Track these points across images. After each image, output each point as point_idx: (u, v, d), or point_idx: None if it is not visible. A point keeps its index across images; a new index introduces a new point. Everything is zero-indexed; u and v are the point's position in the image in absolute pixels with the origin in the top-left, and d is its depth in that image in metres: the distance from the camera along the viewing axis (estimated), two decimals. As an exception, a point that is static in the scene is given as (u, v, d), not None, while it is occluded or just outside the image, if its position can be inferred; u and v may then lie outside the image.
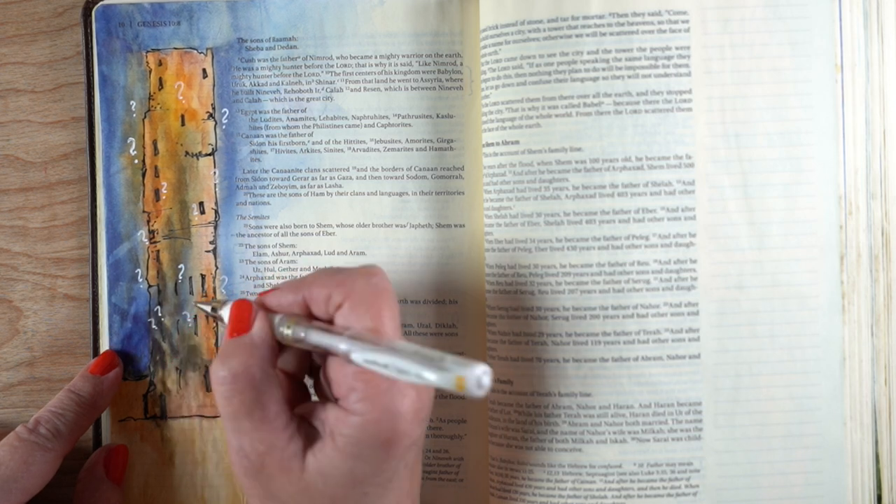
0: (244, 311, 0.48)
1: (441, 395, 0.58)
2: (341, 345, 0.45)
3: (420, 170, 0.58)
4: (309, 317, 0.48)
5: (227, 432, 0.47)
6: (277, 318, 0.48)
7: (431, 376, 0.41)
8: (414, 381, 0.42)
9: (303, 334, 0.47)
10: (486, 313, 0.57)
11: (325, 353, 0.46)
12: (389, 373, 0.43)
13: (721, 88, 0.55)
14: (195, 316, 0.59)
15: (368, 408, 0.44)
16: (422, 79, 0.58)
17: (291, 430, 0.46)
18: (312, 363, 0.51)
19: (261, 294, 0.49)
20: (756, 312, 0.55)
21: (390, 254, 0.58)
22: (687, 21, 0.54)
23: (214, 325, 0.59)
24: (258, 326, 0.47)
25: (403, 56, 0.58)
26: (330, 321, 0.47)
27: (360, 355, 0.44)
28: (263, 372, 0.46)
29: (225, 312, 0.49)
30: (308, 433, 0.46)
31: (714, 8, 0.54)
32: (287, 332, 0.47)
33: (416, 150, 0.58)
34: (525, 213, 0.55)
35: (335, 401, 0.47)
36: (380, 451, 0.45)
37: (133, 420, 0.60)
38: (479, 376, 0.40)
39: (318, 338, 0.46)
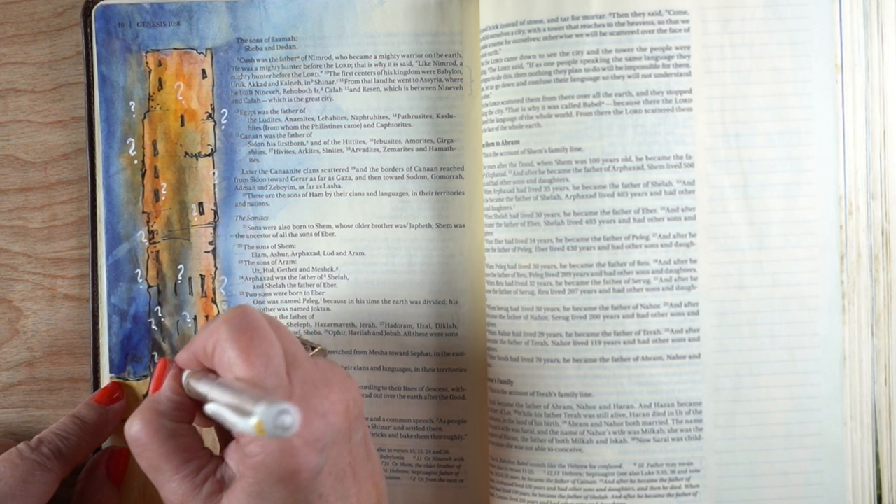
0: (160, 371, 0.51)
1: (441, 396, 0.58)
2: (203, 393, 0.46)
3: (420, 170, 0.58)
4: (205, 370, 0.49)
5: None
6: (185, 374, 0.49)
7: (239, 424, 0.41)
8: (236, 430, 0.42)
9: (192, 387, 0.48)
10: (486, 313, 0.57)
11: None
12: (224, 421, 0.43)
13: (721, 88, 0.54)
14: (195, 316, 0.59)
15: (258, 448, 0.45)
16: (422, 79, 0.58)
17: (202, 476, 0.47)
18: None
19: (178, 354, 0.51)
20: (756, 312, 0.55)
21: (390, 254, 0.58)
22: (687, 21, 0.54)
23: None
24: (165, 384, 0.49)
25: (403, 56, 0.58)
26: (216, 372, 0.48)
27: (208, 407, 0.45)
28: (163, 427, 0.48)
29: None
30: (226, 475, 0.47)
31: (714, 8, 0.54)
32: (185, 385, 0.49)
33: (416, 150, 0.58)
34: (525, 213, 0.55)
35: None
36: (280, 487, 0.45)
37: (133, 420, 0.60)
38: (274, 417, 0.39)
39: (197, 388, 0.47)
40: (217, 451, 0.49)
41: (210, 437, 0.51)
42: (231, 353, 0.45)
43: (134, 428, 0.47)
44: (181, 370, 0.49)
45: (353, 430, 0.48)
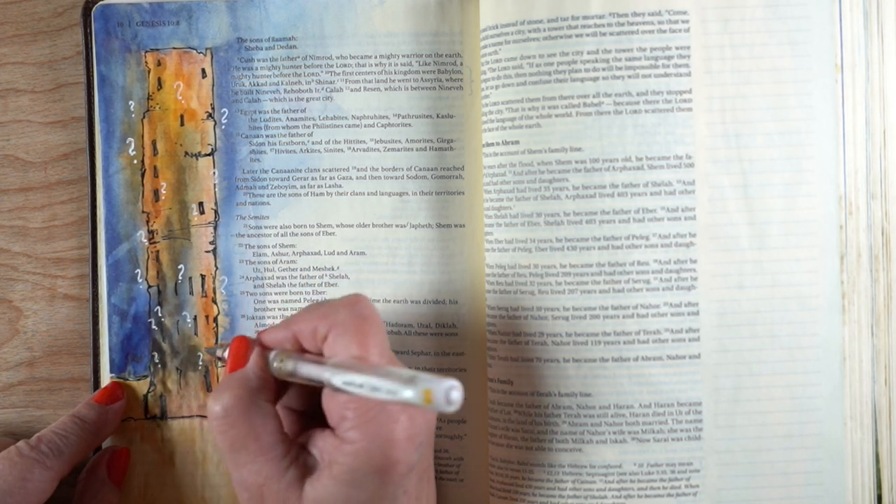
0: (241, 348, 0.50)
1: (441, 395, 0.58)
2: (324, 373, 0.46)
3: (420, 170, 0.58)
4: (301, 351, 0.49)
5: (228, 465, 0.48)
6: (272, 354, 0.49)
7: (401, 391, 0.41)
8: (387, 399, 0.42)
9: (292, 366, 0.48)
10: (486, 313, 0.57)
11: (319, 385, 0.47)
12: (365, 392, 0.43)
13: (721, 88, 0.55)
14: (195, 316, 0.59)
15: (360, 435, 0.45)
16: (422, 79, 0.58)
17: (288, 460, 0.47)
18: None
19: (259, 332, 0.51)
20: (756, 312, 0.55)
21: (390, 254, 0.58)
22: (687, 21, 0.54)
23: (214, 326, 0.59)
24: (252, 362, 0.49)
25: (403, 56, 0.58)
26: (320, 353, 0.48)
27: (339, 378, 0.44)
28: (256, 405, 0.47)
29: (227, 352, 0.51)
30: (308, 462, 0.47)
31: (714, 8, 0.54)
32: (279, 365, 0.48)
33: (416, 150, 0.58)
34: (525, 213, 0.55)
35: (332, 430, 0.47)
36: (375, 478, 0.45)
37: (133, 420, 0.60)
38: (446, 390, 0.40)
39: (304, 369, 0.47)
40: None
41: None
42: (349, 339, 0.46)
43: (225, 402, 0.47)
44: (267, 349, 0.49)
45: (433, 434, 0.48)
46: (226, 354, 0.51)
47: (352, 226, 0.59)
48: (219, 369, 0.59)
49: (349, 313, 0.47)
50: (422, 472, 0.48)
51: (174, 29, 0.59)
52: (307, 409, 0.51)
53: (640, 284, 0.55)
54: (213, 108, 0.60)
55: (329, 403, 0.47)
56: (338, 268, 0.59)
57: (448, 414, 0.41)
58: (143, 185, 0.59)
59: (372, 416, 0.45)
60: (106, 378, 0.60)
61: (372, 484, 0.45)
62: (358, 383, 0.43)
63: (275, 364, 0.49)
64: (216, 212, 0.59)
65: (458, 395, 0.40)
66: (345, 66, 0.59)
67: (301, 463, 0.47)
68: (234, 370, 0.49)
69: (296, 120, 0.59)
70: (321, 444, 0.47)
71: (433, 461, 0.50)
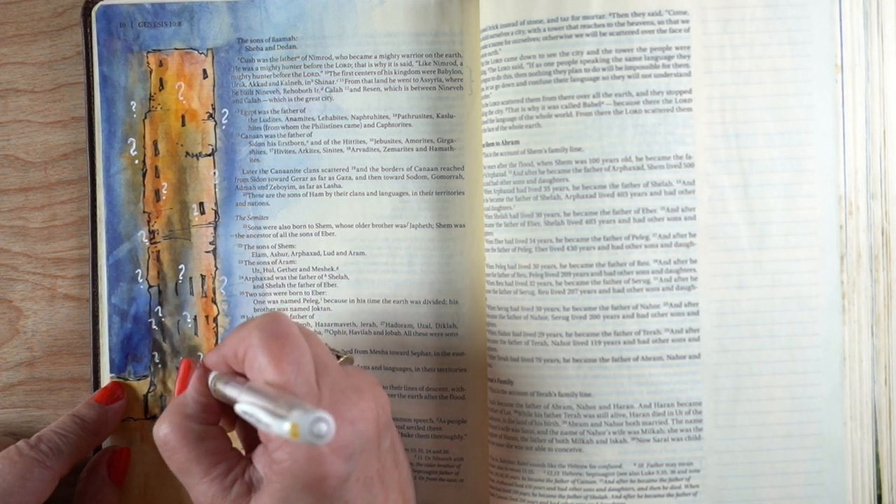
0: (184, 372, 0.52)
1: (441, 396, 0.58)
2: (233, 395, 0.46)
3: (420, 170, 0.58)
4: (233, 374, 0.49)
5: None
6: (211, 377, 0.49)
7: (274, 427, 0.41)
8: (270, 432, 0.42)
9: (220, 390, 0.48)
10: (486, 313, 0.57)
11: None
12: (255, 423, 0.43)
13: (721, 88, 0.54)
14: (195, 316, 0.59)
15: (285, 455, 0.45)
16: (422, 79, 0.58)
17: (231, 478, 0.47)
18: None
19: (206, 354, 0.51)
20: (756, 312, 0.55)
21: (390, 254, 0.58)
22: (687, 21, 0.54)
23: (214, 326, 0.59)
24: (191, 386, 0.49)
25: (403, 56, 0.58)
26: (244, 375, 0.48)
27: (238, 407, 0.44)
28: (192, 430, 0.48)
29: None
30: (254, 478, 0.47)
31: (714, 8, 0.54)
32: (213, 388, 0.49)
33: (416, 150, 0.58)
34: (525, 213, 0.55)
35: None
36: (307, 494, 0.45)
37: (133, 420, 0.60)
38: (311, 423, 0.39)
39: (225, 391, 0.47)
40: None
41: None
42: (262, 359, 0.45)
43: (162, 431, 0.48)
44: (207, 372, 0.49)
45: (382, 438, 0.48)
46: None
47: (351, 226, 0.59)
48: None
49: (261, 334, 0.46)
50: (367, 479, 0.47)
51: (176, 30, 0.59)
52: None
53: (640, 284, 0.55)
54: (213, 109, 0.60)
55: None
56: (337, 268, 0.59)
57: (319, 444, 0.41)
58: (144, 185, 0.60)
59: None
60: (106, 378, 0.60)
61: (306, 500, 0.45)
62: (250, 413, 0.43)
63: (211, 387, 0.49)
64: (216, 212, 0.60)
65: (325, 427, 0.39)
66: (345, 66, 0.59)
67: (247, 479, 0.47)
68: (180, 394, 0.50)
69: (295, 120, 0.59)
70: (262, 461, 0.47)
71: (394, 463, 0.50)
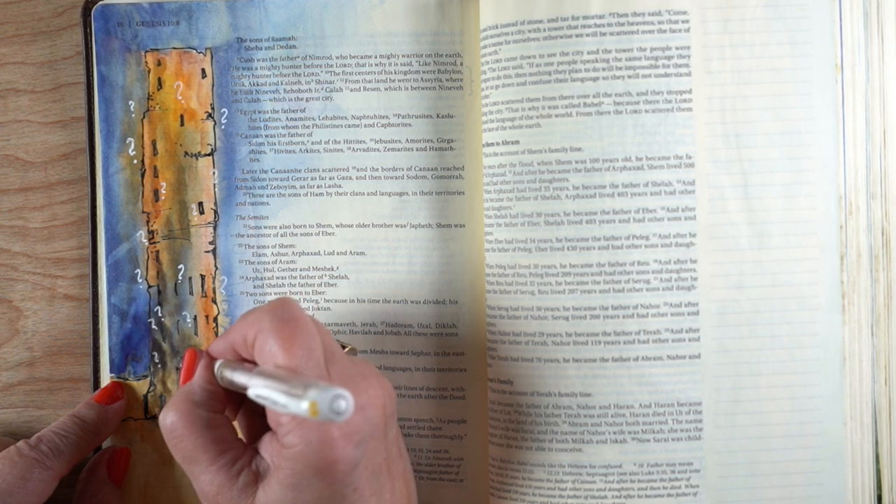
0: (191, 361, 0.51)
1: (441, 396, 0.58)
2: (243, 381, 0.46)
3: (420, 170, 0.58)
4: (241, 360, 0.49)
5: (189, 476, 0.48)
6: (217, 365, 0.49)
7: (292, 405, 0.41)
8: (286, 412, 0.42)
9: (228, 376, 0.48)
10: (486, 313, 0.57)
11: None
12: (270, 405, 0.43)
13: (721, 88, 0.55)
14: (195, 316, 0.59)
15: (297, 439, 0.45)
16: (422, 79, 0.58)
17: (238, 467, 0.47)
18: None
19: (211, 343, 0.51)
20: (756, 312, 0.55)
21: (390, 254, 0.58)
22: (687, 21, 0.54)
23: (214, 326, 0.59)
24: (197, 374, 0.49)
25: (403, 56, 0.58)
26: (253, 361, 0.48)
27: (252, 390, 0.44)
28: (200, 418, 0.48)
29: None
30: (261, 467, 0.47)
31: (714, 8, 0.54)
32: (220, 376, 0.49)
33: (416, 150, 0.58)
34: (525, 213, 0.55)
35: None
36: (318, 479, 0.45)
37: (133, 420, 0.60)
38: (331, 401, 0.39)
39: (234, 377, 0.47)
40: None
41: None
42: (273, 343, 0.46)
43: (169, 419, 0.48)
44: (213, 360, 0.50)
45: (388, 426, 0.48)
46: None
47: (351, 226, 0.59)
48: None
49: (272, 319, 0.46)
50: (376, 467, 0.47)
51: (174, 29, 0.59)
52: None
53: (640, 284, 0.55)
54: (212, 108, 0.60)
55: (268, 409, 0.47)
56: (337, 268, 0.59)
57: (339, 422, 0.41)
58: (143, 185, 0.59)
59: (305, 418, 0.45)
60: (106, 378, 0.60)
61: (316, 485, 0.45)
62: (264, 396, 0.43)
63: (218, 374, 0.49)
64: (216, 212, 0.59)
65: (345, 404, 0.40)
66: (345, 66, 0.59)
67: (254, 468, 0.47)
68: (186, 382, 0.50)
69: (295, 120, 0.59)
70: (270, 449, 0.47)
71: (399, 453, 0.50)
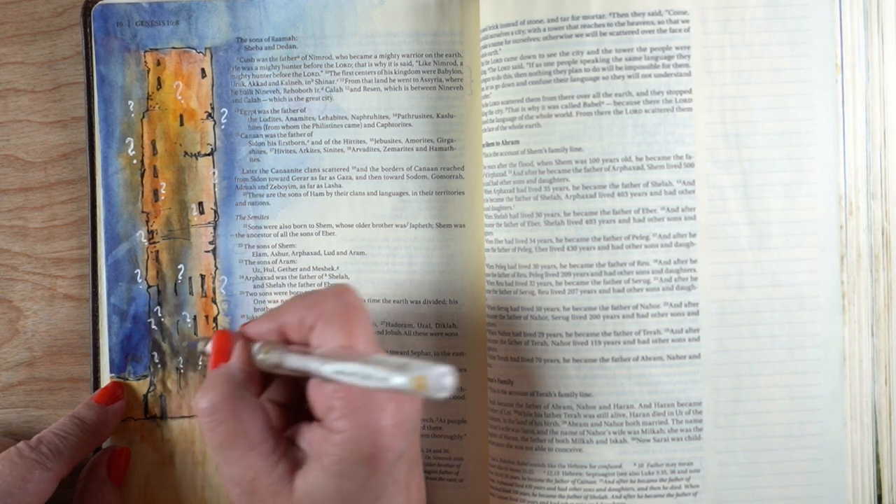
0: (224, 342, 0.49)
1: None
2: (312, 363, 0.45)
3: (420, 170, 0.58)
4: (286, 342, 0.49)
5: (218, 461, 0.47)
6: (256, 346, 0.49)
7: (393, 378, 0.41)
8: (378, 386, 0.42)
9: (277, 358, 0.47)
10: (486, 313, 0.57)
11: (305, 376, 0.47)
12: (356, 381, 0.43)
13: (721, 88, 0.55)
14: (195, 316, 0.59)
15: (348, 425, 0.45)
16: (422, 79, 0.58)
17: (278, 454, 0.46)
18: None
19: (242, 325, 0.50)
20: (756, 312, 0.55)
21: (390, 254, 0.58)
22: (687, 21, 0.54)
23: (214, 326, 0.59)
24: (236, 356, 0.49)
25: (403, 56, 0.58)
26: (306, 344, 0.48)
27: (328, 367, 0.44)
28: (243, 399, 0.47)
29: (210, 346, 0.50)
30: (297, 456, 0.47)
31: (714, 8, 0.54)
32: (264, 357, 0.48)
33: (416, 150, 0.58)
34: (525, 213, 0.55)
35: (319, 421, 0.47)
36: (364, 467, 0.45)
37: (133, 420, 0.60)
38: (438, 377, 0.40)
39: (290, 360, 0.47)
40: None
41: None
42: (337, 329, 0.46)
43: (212, 398, 0.47)
44: (250, 342, 0.49)
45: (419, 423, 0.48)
46: (208, 348, 0.50)
47: (351, 226, 0.59)
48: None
49: (337, 303, 0.47)
50: (411, 462, 0.48)
51: (173, 29, 0.59)
52: (291, 403, 0.51)
53: (640, 284, 0.55)
54: (212, 108, 0.60)
55: (315, 394, 0.47)
56: (337, 268, 0.59)
57: (439, 402, 0.41)
58: (142, 184, 0.59)
59: (359, 404, 0.45)
60: (106, 378, 0.60)
61: (361, 473, 0.45)
62: (349, 371, 0.43)
63: (259, 356, 0.48)
64: (216, 212, 0.59)
65: (451, 380, 0.40)
66: (345, 65, 0.59)
67: (290, 457, 0.47)
68: (218, 365, 0.49)
69: (295, 120, 0.59)
70: (309, 437, 0.46)
71: (421, 452, 0.50)
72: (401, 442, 0.45)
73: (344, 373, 0.43)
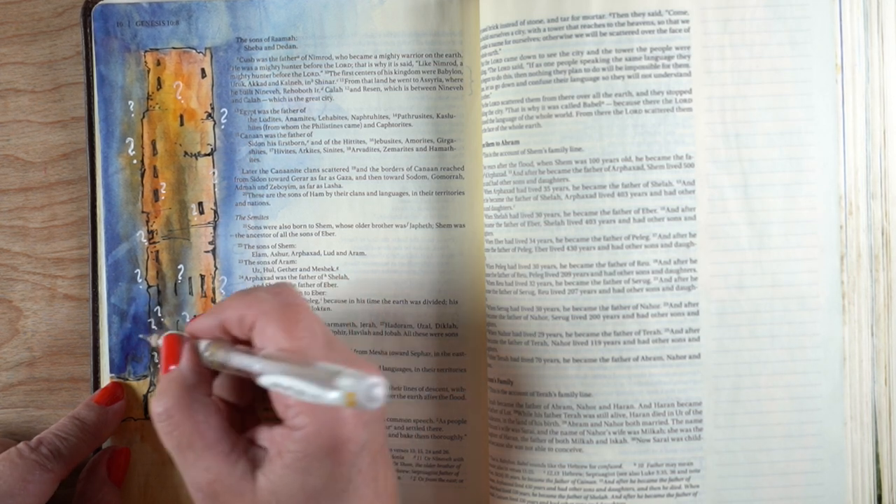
0: (172, 346, 0.49)
1: (441, 396, 0.58)
2: (254, 365, 0.45)
3: (420, 170, 0.58)
4: (231, 339, 0.48)
5: (179, 467, 0.47)
6: (203, 345, 0.48)
7: (326, 394, 0.40)
8: (313, 401, 0.41)
9: (223, 358, 0.47)
10: (486, 313, 0.57)
11: (250, 377, 0.46)
12: (292, 394, 0.42)
13: (721, 88, 0.55)
14: (194, 316, 0.59)
15: (308, 419, 0.44)
16: (422, 79, 0.58)
17: (237, 454, 0.46)
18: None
19: (190, 321, 0.50)
20: (756, 312, 0.55)
21: (390, 254, 0.58)
22: (687, 21, 0.54)
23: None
24: (185, 357, 0.48)
25: (403, 56, 0.58)
26: (248, 342, 0.47)
27: (266, 379, 0.43)
28: (196, 401, 0.47)
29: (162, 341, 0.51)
30: (257, 455, 0.46)
31: (714, 8, 0.54)
32: (210, 356, 0.48)
33: (416, 150, 0.58)
34: (525, 213, 0.55)
35: (279, 420, 0.47)
36: (327, 461, 0.44)
37: (133, 420, 0.60)
38: (367, 389, 0.39)
39: (235, 360, 0.46)
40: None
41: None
42: (276, 327, 0.45)
43: (164, 404, 0.47)
44: (197, 340, 0.49)
45: (383, 413, 0.48)
46: (160, 342, 0.50)
47: (351, 226, 0.59)
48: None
49: (274, 301, 0.46)
50: (375, 453, 0.47)
51: (174, 29, 0.59)
52: (243, 403, 0.51)
53: (640, 284, 0.55)
54: (212, 108, 0.60)
55: (273, 393, 0.46)
56: (337, 268, 0.59)
57: (370, 408, 0.41)
58: (142, 184, 0.59)
59: None
60: (106, 378, 0.60)
61: (324, 467, 0.45)
62: (285, 385, 0.42)
63: (205, 354, 0.48)
64: (216, 212, 0.59)
65: (381, 391, 0.40)
66: (344, 65, 0.59)
67: (250, 456, 0.46)
68: (169, 369, 0.49)
69: (295, 120, 0.59)
70: (269, 435, 0.46)
71: (385, 442, 0.49)
72: (362, 432, 0.45)
73: (280, 386, 0.43)
